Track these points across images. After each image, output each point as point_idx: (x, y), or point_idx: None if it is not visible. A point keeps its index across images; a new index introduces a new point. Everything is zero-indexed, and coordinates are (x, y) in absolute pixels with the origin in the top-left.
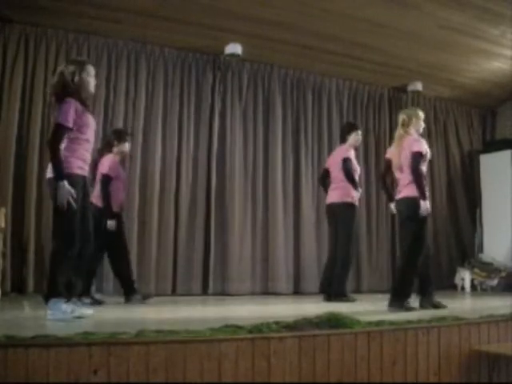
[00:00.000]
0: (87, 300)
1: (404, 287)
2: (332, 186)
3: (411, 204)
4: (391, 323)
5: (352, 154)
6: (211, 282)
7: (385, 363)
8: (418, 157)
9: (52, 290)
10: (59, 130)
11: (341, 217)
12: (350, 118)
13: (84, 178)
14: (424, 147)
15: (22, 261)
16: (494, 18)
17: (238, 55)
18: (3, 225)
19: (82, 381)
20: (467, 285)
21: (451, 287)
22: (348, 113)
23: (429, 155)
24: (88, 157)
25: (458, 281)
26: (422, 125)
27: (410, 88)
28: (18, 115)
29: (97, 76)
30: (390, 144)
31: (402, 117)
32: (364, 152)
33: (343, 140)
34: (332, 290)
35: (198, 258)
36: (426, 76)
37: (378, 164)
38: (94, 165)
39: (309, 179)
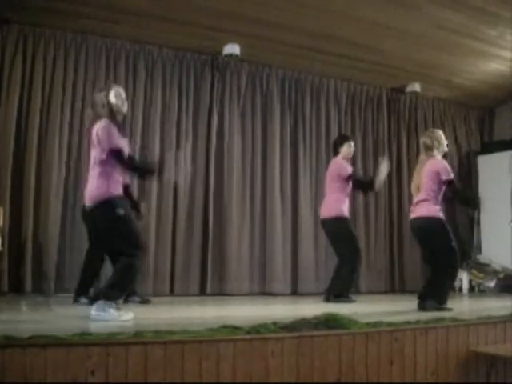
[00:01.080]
0: (85, 300)
1: (440, 293)
2: (324, 199)
3: (424, 223)
4: (389, 324)
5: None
6: (209, 282)
7: (382, 364)
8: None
9: (114, 293)
10: (121, 155)
11: (335, 232)
12: (348, 118)
13: (124, 196)
14: (450, 171)
15: (20, 261)
16: (493, 19)
17: (237, 56)
18: (1, 224)
19: (80, 381)
20: (465, 286)
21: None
22: (346, 114)
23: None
24: (121, 179)
25: (455, 282)
26: (445, 146)
27: (409, 89)
28: (16, 115)
29: (95, 76)
30: (389, 146)
31: (424, 140)
32: (362, 153)
33: (336, 152)
34: (334, 289)
35: (195, 259)
36: (424, 77)
37: (376, 166)
38: None
39: (307, 180)
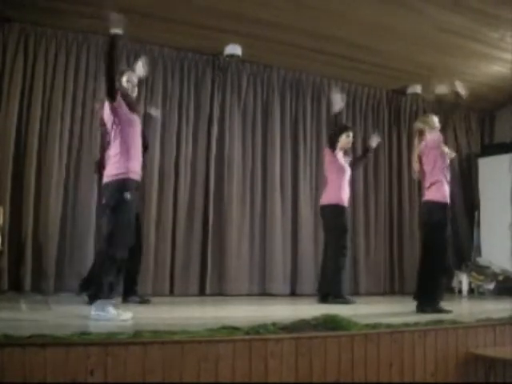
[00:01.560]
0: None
1: (431, 290)
2: (325, 188)
3: (432, 208)
4: (388, 326)
5: (339, 156)
6: (209, 282)
7: (382, 365)
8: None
9: (101, 291)
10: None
11: (327, 218)
12: (348, 120)
13: (138, 182)
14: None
15: (20, 259)
16: (494, 21)
17: (238, 56)
18: (1, 223)
19: (79, 381)
20: (464, 288)
21: (448, 290)
22: (347, 115)
23: (448, 152)
24: (140, 157)
25: (455, 284)
26: (438, 130)
27: (410, 91)
28: (16, 114)
29: (97, 75)
30: (389, 146)
31: (416, 126)
32: None
33: (333, 144)
34: (330, 289)
35: (195, 259)
36: (425, 79)
37: (376, 167)
38: (99, 165)
39: (307, 181)
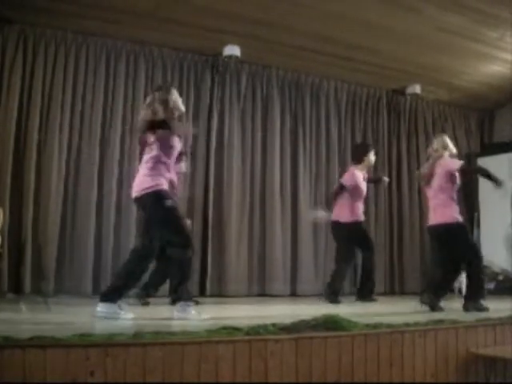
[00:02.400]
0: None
1: (476, 290)
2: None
3: (449, 229)
4: (388, 326)
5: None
6: (208, 283)
7: (382, 365)
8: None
9: (183, 294)
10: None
11: (348, 236)
12: (348, 120)
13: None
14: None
15: (19, 261)
16: (493, 21)
17: (237, 57)
18: (0, 224)
19: (79, 382)
20: (464, 288)
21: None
22: (346, 115)
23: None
24: (169, 176)
25: (455, 284)
26: (453, 150)
27: (409, 91)
28: (16, 115)
29: (96, 76)
30: (389, 146)
31: (435, 146)
32: None
33: (359, 161)
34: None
35: (195, 260)
36: (424, 79)
37: (375, 167)
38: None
39: (306, 182)
